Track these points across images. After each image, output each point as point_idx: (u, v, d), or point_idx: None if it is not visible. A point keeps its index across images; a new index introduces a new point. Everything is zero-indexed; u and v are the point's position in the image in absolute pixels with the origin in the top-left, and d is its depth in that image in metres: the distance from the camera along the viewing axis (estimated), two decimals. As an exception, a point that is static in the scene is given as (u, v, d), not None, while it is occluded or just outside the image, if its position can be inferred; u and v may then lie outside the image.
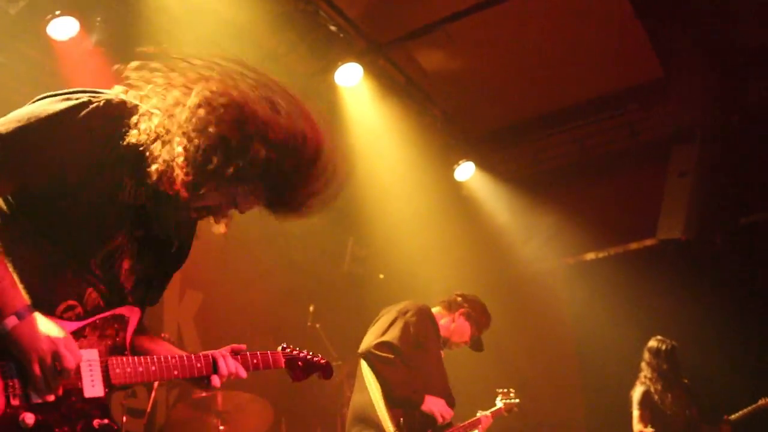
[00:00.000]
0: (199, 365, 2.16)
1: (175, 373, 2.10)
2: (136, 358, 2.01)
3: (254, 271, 7.17)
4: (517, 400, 4.99)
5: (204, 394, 5.02)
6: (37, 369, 1.74)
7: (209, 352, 2.23)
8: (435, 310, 4.74)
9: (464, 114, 7.59)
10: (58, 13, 4.92)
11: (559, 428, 7.65)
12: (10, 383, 1.73)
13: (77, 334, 1.87)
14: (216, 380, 2.20)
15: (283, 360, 2.51)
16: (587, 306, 7.56)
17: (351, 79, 6.19)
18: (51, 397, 1.78)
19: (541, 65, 6.74)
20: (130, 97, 1.93)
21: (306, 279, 7.43)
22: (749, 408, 6.07)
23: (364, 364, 4.31)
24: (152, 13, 5.14)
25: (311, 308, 6.86)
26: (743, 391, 6.23)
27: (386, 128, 6.93)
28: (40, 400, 1.77)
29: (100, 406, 1.90)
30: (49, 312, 1.82)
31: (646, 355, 6.21)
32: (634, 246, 7.63)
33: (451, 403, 4.47)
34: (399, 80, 6.78)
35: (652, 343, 6.24)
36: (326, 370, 2.69)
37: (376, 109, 6.71)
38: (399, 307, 4.45)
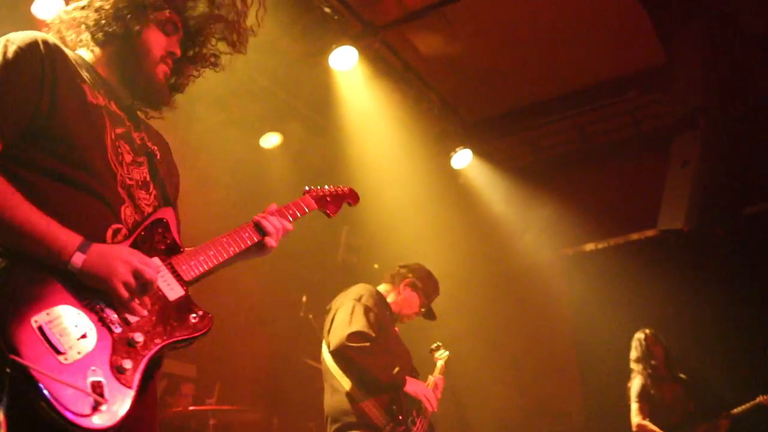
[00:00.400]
0: (247, 234, 2.31)
1: (232, 249, 2.24)
2: (193, 250, 2.16)
3: (245, 262, 7.10)
4: (447, 352, 4.93)
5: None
6: (123, 291, 1.83)
7: (247, 222, 2.35)
8: (381, 287, 4.69)
9: (462, 100, 7.52)
10: (42, -9, 4.84)
11: (558, 419, 7.64)
12: (104, 315, 1.81)
13: (132, 248, 1.96)
14: (270, 240, 2.35)
15: (313, 201, 2.67)
16: (586, 297, 7.54)
17: (346, 63, 6.10)
18: (145, 312, 1.89)
19: (540, 50, 6.68)
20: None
21: (299, 269, 7.37)
22: (748, 404, 6.05)
23: (329, 363, 4.22)
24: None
25: (304, 299, 6.78)
26: (743, 386, 6.20)
27: (381, 114, 6.86)
28: (137, 318, 1.87)
29: (186, 304, 2.02)
30: (100, 239, 1.92)
31: (633, 352, 6.26)
32: (634, 237, 7.60)
33: (415, 377, 4.41)
34: (395, 64, 6.70)
35: (635, 337, 6.29)
36: (353, 196, 2.91)
37: (371, 94, 6.63)
38: (352, 295, 4.36)
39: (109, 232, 1.97)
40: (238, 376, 6.75)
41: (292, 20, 5.66)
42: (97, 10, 2.15)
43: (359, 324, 4.10)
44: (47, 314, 1.70)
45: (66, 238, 1.81)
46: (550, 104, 7.38)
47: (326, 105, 6.76)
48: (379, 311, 4.28)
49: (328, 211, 2.77)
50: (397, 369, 4.15)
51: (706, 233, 6.48)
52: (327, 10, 5.79)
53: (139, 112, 2.36)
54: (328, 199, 2.77)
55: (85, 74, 2.11)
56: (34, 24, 4.99)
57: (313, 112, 7.02)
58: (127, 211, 2.04)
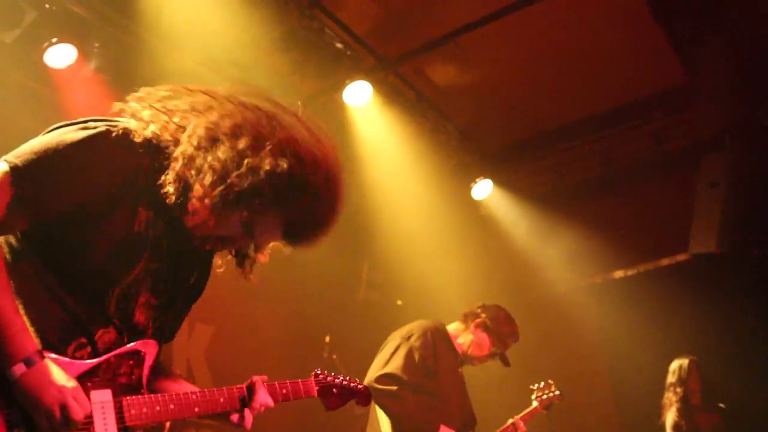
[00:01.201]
0: (222, 399, 2.13)
1: (196, 410, 2.07)
2: (152, 396, 1.99)
3: (266, 302, 7.15)
4: (558, 392, 4.84)
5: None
6: (43, 421, 1.75)
7: (229, 388, 2.19)
8: (452, 326, 4.67)
9: (479, 129, 7.56)
10: (55, 40, 4.96)
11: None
12: None
13: (90, 374, 1.87)
14: (247, 419, 2.19)
15: (315, 388, 2.46)
16: (618, 327, 7.44)
17: (360, 98, 6.19)
18: None
19: (557, 75, 6.71)
20: (141, 127, 1.94)
21: (321, 308, 7.38)
22: None
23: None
24: (151, 37, 5.19)
25: (327, 339, 6.81)
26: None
27: (398, 147, 6.90)
28: None
29: None
30: (61, 351, 1.83)
31: (671, 377, 6.18)
32: (665, 262, 7.51)
33: (471, 425, 4.40)
34: (410, 97, 6.78)
35: (672, 364, 6.21)
36: (364, 396, 2.64)
37: (387, 128, 6.69)
38: (403, 332, 4.38)
39: (72, 346, 1.87)
40: (264, 423, 6.73)
41: (304, 58, 5.75)
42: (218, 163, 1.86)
43: (394, 366, 4.11)
44: None
45: (19, 344, 1.74)
46: (569, 129, 7.40)
47: (342, 141, 6.81)
48: (429, 353, 4.25)
49: (328, 405, 2.53)
50: (430, 424, 4.09)
51: (741, 255, 6.43)
52: (339, 45, 5.89)
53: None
54: (335, 391, 2.54)
55: (152, 193, 1.90)
56: (46, 73, 5.15)
57: (330, 148, 7.05)
58: (105, 337, 1.93)
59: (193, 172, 1.87)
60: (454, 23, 6.00)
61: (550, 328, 7.89)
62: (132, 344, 1.98)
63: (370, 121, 6.59)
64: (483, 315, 4.64)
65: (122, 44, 5.30)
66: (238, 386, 2.21)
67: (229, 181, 1.84)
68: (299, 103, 2.15)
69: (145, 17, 5.09)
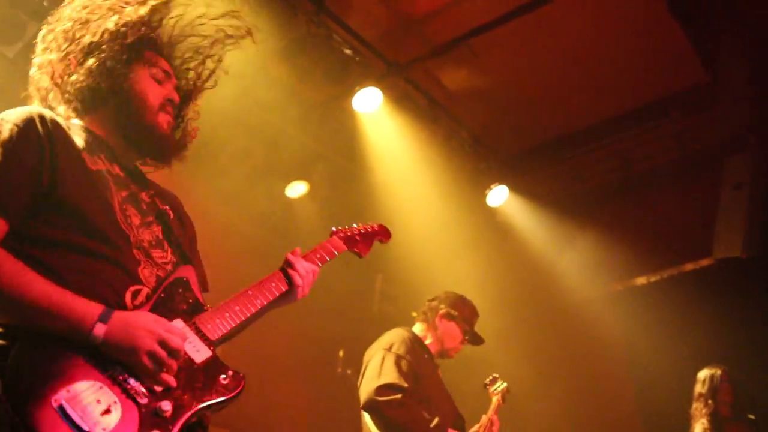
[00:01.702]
0: (274, 284, 2.33)
1: (259, 302, 2.25)
2: (216, 308, 2.15)
3: (276, 318, 7.12)
4: (505, 384, 4.83)
5: None
6: (149, 362, 1.82)
7: (274, 272, 2.38)
8: (416, 328, 4.66)
9: (494, 134, 7.54)
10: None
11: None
12: (128, 386, 1.80)
13: (153, 311, 1.97)
14: (299, 289, 2.40)
15: (342, 242, 2.67)
16: (641, 335, 7.36)
17: (370, 105, 6.18)
18: (173, 381, 1.87)
19: (573, 76, 6.68)
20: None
21: (333, 322, 7.35)
22: None
23: (367, 420, 4.15)
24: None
25: (341, 353, 6.82)
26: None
27: (410, 154, 6.89)
28: (162, 388, 1.85)
29: (215, 365, 2.00)
30: (123, 307, 1.93)
31: (698, 387, 6.09)
32: (689, 267, 7.41)
33: (461, 425, 4.35)
34: (422, 102, 6.76)
35: (700, 373, 6.12)
36: (384, 232, 2.90)
37: (398, 135, 6.69)
38: (382, 344, 4.35)
39: (128, 295, 1.97)
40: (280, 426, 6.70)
41: (313, 65, 5.75)
42: (80, 75, 2.20)
43: (389, 376, 4.06)
44: (67, 391, 1.69)
45: (84, 309, 1.82)
46: (587, 132, 7.34)
47: (352, 149, 6.80)
48: (413, 358, 4.23)
49: (359, 251, 2.76)
50: (435, 421, 4.06)
51: (767, 259, 6.36)
52: (348, 51, 5.89)
53: (145, 169, 2.40)
54: (358, 238, 2.77)
55: (80, 142, 2.14)
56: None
57: (339, 156, 7.08)
58: (145, 272, 2.05)
59: (75, 100, 2.22)
60: (467, 25, 5.99)
61: (569, 338, 7.83)
62: (172, 274, 2.11)
63: (380, 128, 6.58)
64: (442, 306, 4.65)
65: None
66: (277, 270, 2.40)
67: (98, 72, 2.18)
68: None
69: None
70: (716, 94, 6.22)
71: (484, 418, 4.48)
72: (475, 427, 4.49)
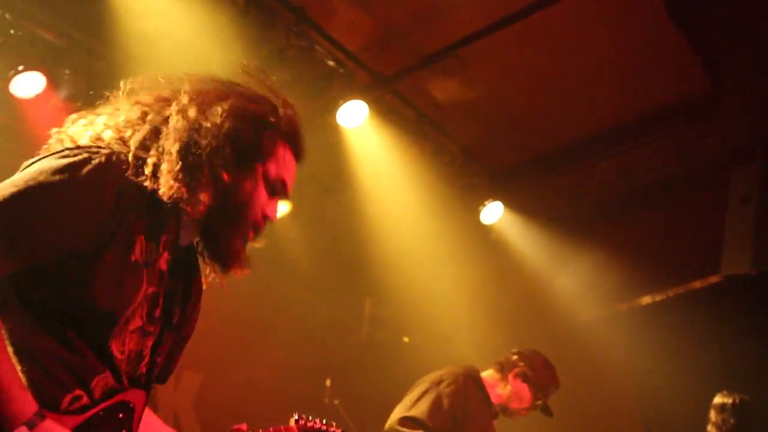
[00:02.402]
0: None
1: None
2: None
3: (259, 346, 7.04)
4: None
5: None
6: None
7: None
8: (486, 373, 4.58)
9: (486, 148, 7.46)
10: (21, 68, 4.91)
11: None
12: None
13: (80, 429, 1.86)
14: None
15: None
16: (648, 358, 7.29)
17: (355, 119, 6.10)
18: None
19: (569, 87, 6.62)
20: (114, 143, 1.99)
21: (319, 349, 7.27)
22: None
23: None
24: (126, 61, 5.11)
25: (328, 382, 6.77)
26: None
27: (399, 171, 6.81)
28: None
29: None
30: (55, 407, 1.81)
31: (712, 414, 6.01)
32: (696, 285, 7.37)
33: None
34: (409, 116, 6.68)
35: (717, 399, 6.05)
36: None
37: (385, 150, 6.61)
38: (433, 377, 4.32)
39: (67, 399, 1.86)
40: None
41: (294, 77, 5.66)
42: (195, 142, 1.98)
43: (419, 410, 4.07)
44: None
45: (20, 404, 1.73)
46: (585, 146, 7.26)
47: (337, 166, 6.72)
48: (459, 401, 4.19)
49: None
50: None
51: (778, 275, 6.31)
52: (331, 63, 5.82)
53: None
54: None
55: (146, 215, 1.94)
56: (13, 103, 5.09)
57: (324, 174, 6.99)
58: (101, 382, 1.93)
59: (157, 151, 1.97)
60: (456, 35, 5.92)
61: (571, 363, 7.68)
62: (120, 395, 1.97)
63: (366, 143, 6.49)
64: (521, 364, 4.55)
65: (94, 70, 5.24)
66: None
67: (192, 144, 1.97)
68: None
69: (119, 41, 5.03)
70: (720, 104, 6.18)
71: None
72: None
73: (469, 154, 7.34)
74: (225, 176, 2.02)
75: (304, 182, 6.93)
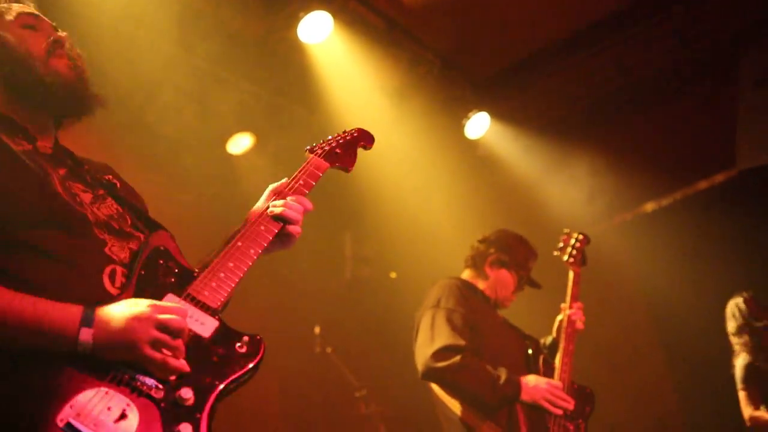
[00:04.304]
0: (263, 227, 2.30)
1: (253, 251, 2.23)
2: (207, 270, 2.14)
3: (237, 302, 6.95)
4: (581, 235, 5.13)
5: None
6: (153, 353, 1.81)
7: (254, 215, 2.38)
8: (466, 275, 4.63)
9: (466, 55, 7.29)
10: None
11: (648, 402, 7.55)
12: (136, 384, 1.80)
13: (138, 293, 1.98)
14: (294, 227, 2.36)
15: (322, 160, 2.61)
16: (658, 268, 7.34)
17: (319, 33, 6.01)
18: (185, 365, 1.86)
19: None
20: None
21: (302, 297, 7.25)
22: None
23: (435, 389, 4.16)
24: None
25: (317, 330, 6.86)
26: None
27: (372, 87, 6.74)
28: (176, 376, 1.85)
29: (226, 334, 2.02)
30: (103, 296, 1.94)
31: (730, 324, 6.09)
32: (704, 185, 7.38)
33: (533, 364, 4.34)
34: (378, 25, 6.52)
35: (729, 305, 6.12)
36: (365, 137, 2.80)
37: (354, 66, 6.50)
38: (429, 302, 4.32)
39: (106, 279, 1.98)
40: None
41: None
42: None
43: (443, 337, 4.04)
44: (71, 407, 1.70)
45: (63, 315, 1.80)
46: (575, 40, 7.09)
47: (302, 88, 6.63)
48: (466, 308, 4.20)
49: (344, 165, 2.67)
50: (504, 376, 3.96)
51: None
52: (286, -28, 5.65)
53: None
54: (338, 150, 2.67)
55: None
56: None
57: (288, 99, 6.88)
58: (114, 249, 2.07)
59: None
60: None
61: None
62: (146, 247, 2.13)
63: (333, 59, 6.38)
64: (491, 251, 4.60)
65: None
66: (259, 211, 2.38)
67: None
68: None
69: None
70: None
71: (564, 309, 4.49)
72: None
73: (447, 62, 7.23)
74: None
75: (267, 110, 6.77)
